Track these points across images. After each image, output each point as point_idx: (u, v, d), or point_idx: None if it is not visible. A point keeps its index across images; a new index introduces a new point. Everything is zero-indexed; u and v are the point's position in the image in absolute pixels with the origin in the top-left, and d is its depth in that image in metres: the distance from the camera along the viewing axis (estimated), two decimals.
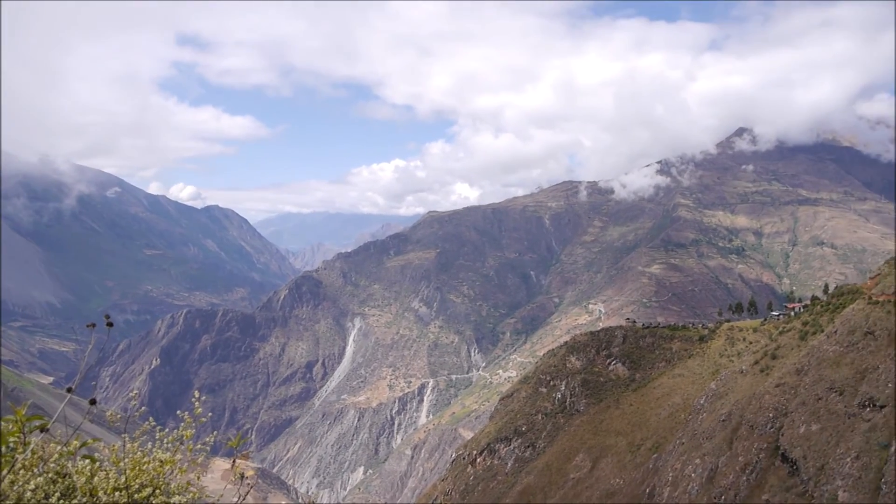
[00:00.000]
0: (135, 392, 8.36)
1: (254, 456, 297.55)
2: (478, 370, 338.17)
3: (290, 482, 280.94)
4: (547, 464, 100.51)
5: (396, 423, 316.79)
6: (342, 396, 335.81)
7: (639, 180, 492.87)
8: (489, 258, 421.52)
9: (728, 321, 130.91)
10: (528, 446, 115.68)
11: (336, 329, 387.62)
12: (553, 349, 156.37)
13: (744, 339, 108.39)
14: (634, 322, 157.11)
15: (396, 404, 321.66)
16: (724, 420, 62.86)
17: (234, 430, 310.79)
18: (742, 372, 76.04)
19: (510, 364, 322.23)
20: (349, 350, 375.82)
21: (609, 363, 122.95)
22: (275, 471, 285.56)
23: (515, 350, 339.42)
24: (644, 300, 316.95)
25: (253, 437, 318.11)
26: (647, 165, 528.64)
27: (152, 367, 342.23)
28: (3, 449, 5.36)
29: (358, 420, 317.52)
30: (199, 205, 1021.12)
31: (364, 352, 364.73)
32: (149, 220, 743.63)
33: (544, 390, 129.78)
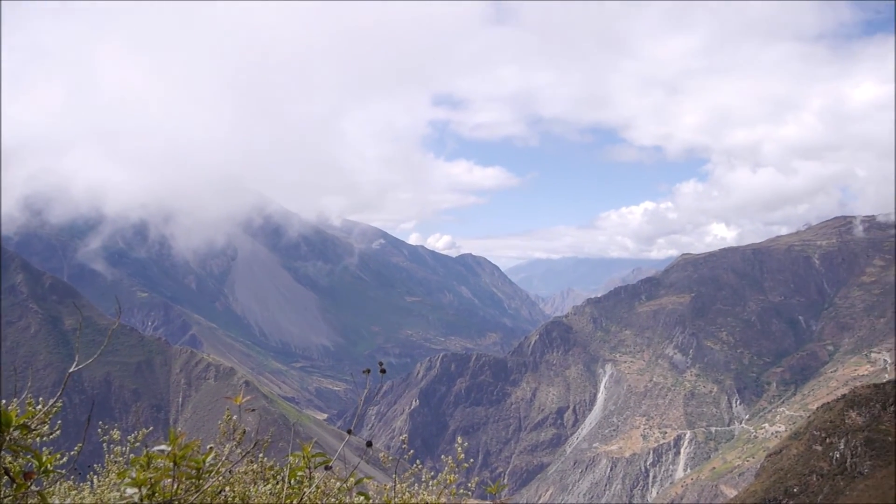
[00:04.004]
0: (404, 436, 9.19)
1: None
2: (740, 423, 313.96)
3: None
4: None
5: (651, 475, 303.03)
6: (594, 444, 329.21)
7: None
8: (750, 302, 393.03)
9: None
10: None
11: (587, 375, 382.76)
12: (829, 402, 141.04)
13: None
14: None
15: (651, 455, 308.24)
16: None
17: (488, 472, 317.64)
18: None
19: (777, 417, 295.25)
20: (600, 397, 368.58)
21: None
22: None
23: (783, 402, 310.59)
24: None
25: (506, 480, 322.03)
26: None
27: (412, 407, 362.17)
28: (292, 482, 6.02)
29: (611, 470, 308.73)
30: (453, 253, 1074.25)
31: (616, 399, 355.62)
32: (409, 269, 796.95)
33: (819, 448, 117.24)
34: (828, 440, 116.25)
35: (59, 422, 4.95)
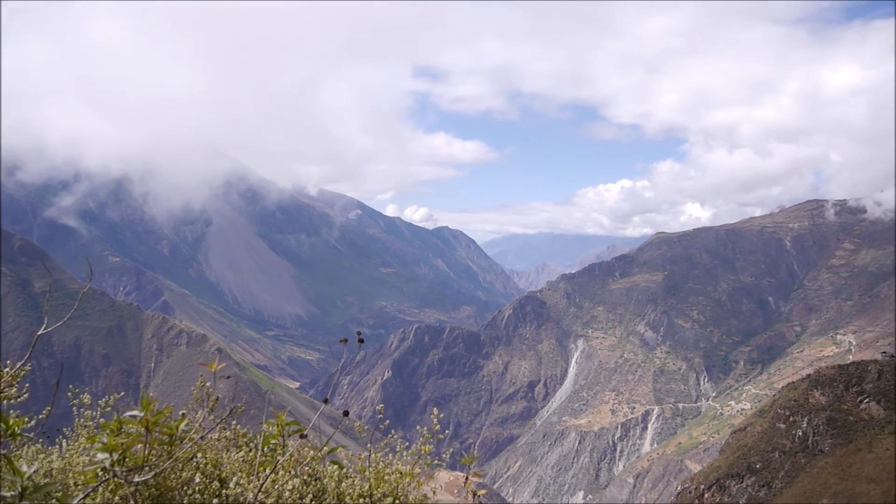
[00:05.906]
0: (380, 406, 9.18)
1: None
2: (707, 400, 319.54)
3: (511, 500, 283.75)
4: None
5: (618, 449, 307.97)
6: (563, 418, 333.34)
7: None
8: (722, 282, 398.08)
9: None
10: (763, 485, 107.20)
11: (559, 350, 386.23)
12: (794, 382, 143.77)
13: None
14: (893, 356, 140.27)
15: (619, 430, 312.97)
16: None
17: (458, 443, 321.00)
18: None
19: (743, 395, 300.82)
20: (571, 371, 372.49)
21: (861, 401, 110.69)
22: (495, 487, 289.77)
23: (750, 381, 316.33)
24: None
25: (476, 451, 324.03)
26: None
27: (384, 378, 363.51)
28: (265, 450, 5.99)
29: (579, 443, 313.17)
30: (430, 226, 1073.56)
31: (586, 374, 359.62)
32: (385, 240, 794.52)
33: (782, 426, 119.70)
34: (791, 418, 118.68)
35: (27, 385, 4.87)
